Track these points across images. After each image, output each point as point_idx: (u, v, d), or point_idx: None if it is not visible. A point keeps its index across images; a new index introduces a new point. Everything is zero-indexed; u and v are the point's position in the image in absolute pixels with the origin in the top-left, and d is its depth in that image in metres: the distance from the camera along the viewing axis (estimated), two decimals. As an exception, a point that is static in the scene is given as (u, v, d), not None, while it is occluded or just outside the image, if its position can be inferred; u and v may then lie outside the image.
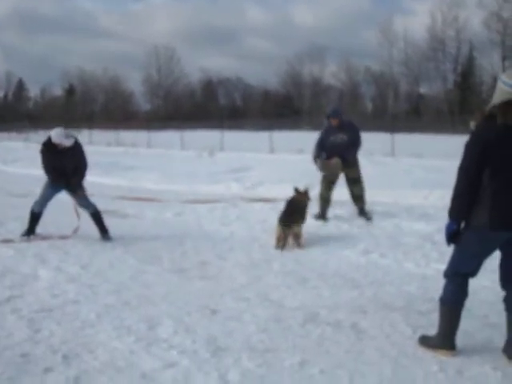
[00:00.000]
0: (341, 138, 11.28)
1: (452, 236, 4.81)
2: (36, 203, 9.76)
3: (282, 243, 9.12)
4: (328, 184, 11.32)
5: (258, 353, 4.95)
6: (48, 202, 9.80)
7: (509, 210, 4.55)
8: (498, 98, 4.64)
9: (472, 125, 4.80)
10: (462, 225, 4.77)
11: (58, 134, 9.37)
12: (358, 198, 11.38)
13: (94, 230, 9.76)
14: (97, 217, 9.77)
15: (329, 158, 11.31)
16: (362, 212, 11.33)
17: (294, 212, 9.47)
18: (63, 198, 9.98)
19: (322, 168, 11.22)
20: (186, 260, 8.32)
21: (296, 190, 9.94)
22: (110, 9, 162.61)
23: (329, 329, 5.53)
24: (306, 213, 9.74)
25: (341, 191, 11.49)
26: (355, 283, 7.12)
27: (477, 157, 4.56)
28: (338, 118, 11.41)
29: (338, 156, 11.20)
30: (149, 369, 4.65)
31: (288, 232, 9.19)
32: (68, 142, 9.40)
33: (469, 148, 4.64)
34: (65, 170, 9.48)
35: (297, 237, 9.29)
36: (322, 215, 11.26)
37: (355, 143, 11.40)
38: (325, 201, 11.29)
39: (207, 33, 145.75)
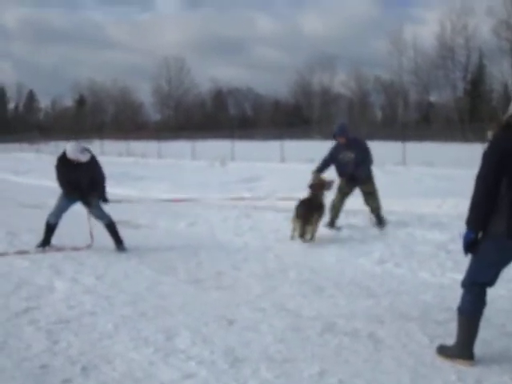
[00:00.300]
0: (348, 156, 11.25)
1: (470, 245, 4.80)
2: (51, 215, 9.80)
3: (299, 233, 10.01)
4: (342, 195, 11.30)
5: (277, 363, 4.95)
6: (63, 214, 9.84)
7: (526, 219, 4.55)
8: (513, 107, 4.64)
9: (489, 134, 4.81)
10: (480, 234, 4.77)
11: (73, 150, 9.37)
12: (374, 210, 11.40)
13: (108, 240, 9.79)
14: (111, 228, 9.80)
15: (340, 176, 11.41)
16: (378, 218, 11.35)
17: (312, 209, 10.31)
18: (77, 209, 10.02)
19: (313, 180, 11.15)
20: (201, 270, 8.33)
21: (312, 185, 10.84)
22: (118, 20, 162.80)
23: (346, 338, 5.53)
24: (323, 207, 10.54)
25: (354, 200, 11.48)
26: (371, 292, 7.12)
27: (494, 166, 4.57)
28: (344, 136, 11.39)
29: (349, 174, 11.25)
30: (167, 380, 4.65)
31: (307, 228, 10.07)
32: (84, 158, 9.42)
33: (486, 157, 4.65)
34: (80, 183, 9.52)
35: (313, 229, 10.08)
36: (332, 224, 11.23)
37: (364, 160, 11.30)
38: (336, 210, 11.27)
39: (216, 43, 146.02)
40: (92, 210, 9.77)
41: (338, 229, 11.16)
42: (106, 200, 9.98)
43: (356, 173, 11.23)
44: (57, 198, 9.90)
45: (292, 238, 10.26)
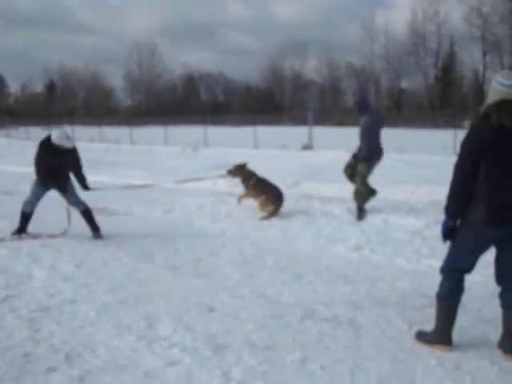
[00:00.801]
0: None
1: (448, 232, 4.88)
2: (27, 203, 9.74)
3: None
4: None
5: (259, 350, 5.01)
6: (38, 201, 9.78)
7: (504, 206, 4.63)
8: (492, 97, 4.71)
9: (466, 124, 4.88)
10: (458, 221, 4.85)
11: (59, 136, 9.33)
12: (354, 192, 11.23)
13: (84, 227, 9.77)
14: (87, 215, 9.78)
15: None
16: (357, 208, 11.18)
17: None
18: (52, 195, 9.96)
19: None
20: (178, 257, 8.36)
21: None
22: (88, 3, 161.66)
23: (327, 325, 5.61)
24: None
25: (330, 187, 11.53)
26: (349, 279, 7.19)
27: (472, 155, 4.64)
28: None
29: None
30: (151, 367, 4.70)
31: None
32: (69, 144, 9.40)
33: (465, 146, 4.72)
34: (59, 170, 9.48)
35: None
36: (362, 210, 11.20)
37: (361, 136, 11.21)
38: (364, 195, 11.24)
39: (188, 28, 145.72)
40: (68, 196, 9.72)
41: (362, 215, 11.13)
42: (87, 188, 10.00)
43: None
44: (31, 185, 9.80)
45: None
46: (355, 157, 11.27)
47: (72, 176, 9.84)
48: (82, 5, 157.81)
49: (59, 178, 9.52)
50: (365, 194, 11.16)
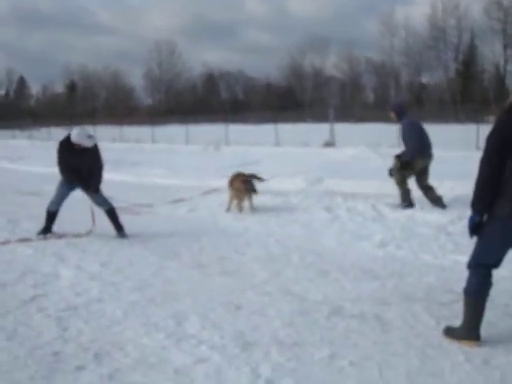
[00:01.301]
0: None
1: (475, 228, 4.87)
2: (52, 202, 9.82)
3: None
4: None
5: (287, 347, 5.02)
6: (64, 201, 9.85)
7: (531, 201, 4.62)
8: (517, 91, 4.69)
9: (491, 119, 4.87)
10: (485, 217, 4.83)
11: (79, 135, 9.35)
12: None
13: (109, 227, 9.84)
14: (112, 214, 9.85)
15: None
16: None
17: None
18: (77, 195, 10.05)
19: None
20: (204, 255, 8.38)
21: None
22: (106, 4, 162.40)
23: (354, 321, 5.61)
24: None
25: (353, 183, 11.51)
26: (375, 275, 7.19)
27: (498, 149, 4.62)
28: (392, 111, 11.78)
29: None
30: (181, 364, 4.71)
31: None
32: (89, 143, 9.43)
33: (490, 141, 4.70)
34: (81, 169, 9.54)
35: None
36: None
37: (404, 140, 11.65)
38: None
39: (206, 26, 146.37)
40: (92, 196, 9.79)
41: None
42: (97, 190, 9.83)
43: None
44: (56, 184, 9.88)
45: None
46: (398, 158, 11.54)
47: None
48: (101, 5, 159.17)
49: (82, 176, 9.57)
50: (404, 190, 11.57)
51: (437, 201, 11.33)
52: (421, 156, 11.36)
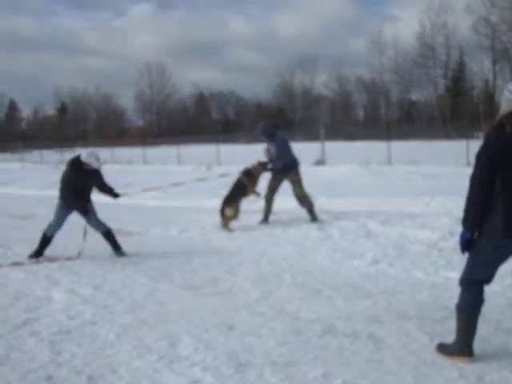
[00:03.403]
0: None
1: (466, 244, 4.88)
2: (50, 227, 9.87)
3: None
4: None
5: (280, 367, 5.01)
6: (62, 225, 9.93)
7: (521, 217, 4.64)
8: (505, 107, 4.74)
9: (480, 136, 4.91)
10: (476, 233, 4.85)
11: (89, 156, 9.67)
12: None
13: (102, 249, 9.89)
14: (109, 235, 9.95)
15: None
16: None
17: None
18: (70, 218, 10.04)
19: None
20: (196, 276, 8.37)
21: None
22: (92, 26, 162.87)
23: (347, 339, 5.60)
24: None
25: (345, 202, 11.54)
26: (367, 293, 7.19)
27: (488, 166, 4.64)
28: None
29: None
30: (174, 387, 4.71)
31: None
32: (97, 164, 9.74)
33: (480, 158, 4.73)
34: (84, 191, 9.74)
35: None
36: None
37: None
38: None
39: (194, 47, 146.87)
40: (89, 219, 9.84)
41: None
42: (118, 195, 10.55)
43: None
44: (55, 208, 9.93)
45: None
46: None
47: (98, 192, 10.23)
48: (86, 27, 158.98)
49: (83, 198, 9.72)
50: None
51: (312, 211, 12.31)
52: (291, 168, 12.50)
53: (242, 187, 12.60)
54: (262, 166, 12.77)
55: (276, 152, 12.43)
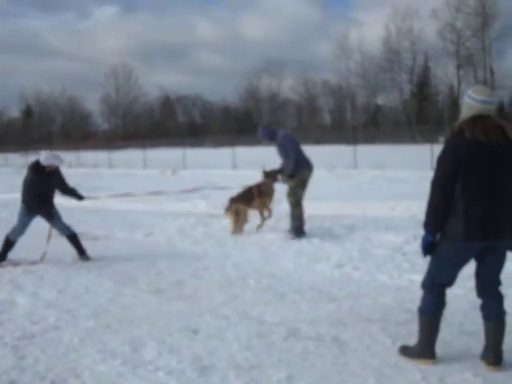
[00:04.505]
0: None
1: (428, 247, 4.93)
2: (14, 231, 9.79)
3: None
4: None
5: (244, 370, 5.02)
6: (26, 229, 9.84)
7: (482, 220, 4.69)
8: (466, 112, 4.82)
9: (442, 140, 4.96)
10: (437, 236, 4.90)
11: (48, 158, 9.61)
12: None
13: (66, 253, 9.83)
14: (74, 239, 9.89)
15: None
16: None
17: None
18: (33, 223, 9.95)
19: None
20: (161, 280, 8.35)
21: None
22: (54, 28, 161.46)
23: (311, 343, 5.63)
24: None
25: (310, 205, 11.56)
26: (332, 296, 7.23)
27: (449, 170, 4.70)
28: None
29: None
30: (138, 391, 4.70)
31: None
32: (59, 162, 9.72)
33: (441, 162, 4.78)
34: (49, 193, 9.70)
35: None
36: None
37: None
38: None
39: (160, 50, 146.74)
40: (53, 223, 9.78)
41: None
42: (82, 198, 10.43)
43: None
44: (18, 212, 9.85)
45: None
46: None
47: (62, 194, 10.16)
48: (49, 29, 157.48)
49: (47, 201, 9.66)
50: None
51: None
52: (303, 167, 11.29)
53: (250, 195, 11.82)
54: (270, 178, 11.93)
55: (281, 151, 11.33)
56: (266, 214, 11.92)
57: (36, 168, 9.60)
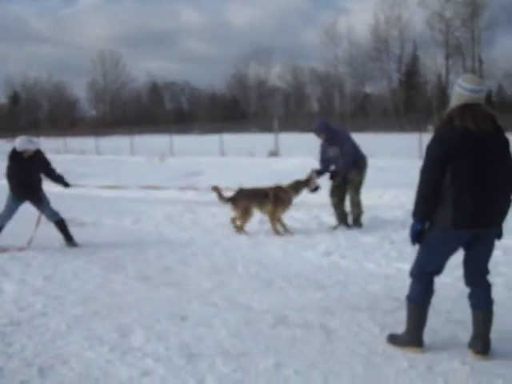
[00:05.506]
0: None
1: (417, 236, 4.93)
2: (1, 217, 9.75)
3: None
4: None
5: (232, 357, 5.03)
6: (13, 215, 9.80)
7: (471, 209, 4.69)
8: (455, 101, 4.81)
9: (431, 129, 4.96)
10: (426, 225, 4.90)
11: (22, 143, 9.54)
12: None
13: (53, 239, 9.83)
14: (61, 225, 9.88)
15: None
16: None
17: None
18: (22, 208, 9.90)
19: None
20: (149, 267, 8.35)
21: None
22: (40, 13, 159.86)
23: (299, 330, 5.64)
24: None
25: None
26: (320, 284, 7.24)
27: (438, 159, 4.69)
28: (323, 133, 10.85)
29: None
30: (126, 378, 4.69)
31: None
32: (33, 147, 9.62)
33: (430, 151, 4.78)
34: (32, 178, 9.63)
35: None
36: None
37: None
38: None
39: (147, 36, 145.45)
40: (42, 208, 9.76)
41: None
42: (68, 185, 10.35)
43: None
44: (6, 199, 9.81)
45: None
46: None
47: (48, 179, 10.06)
48: (34, 14, 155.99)
49: (33, 187, 9.63)
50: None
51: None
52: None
53: (265, 197, 10.72)
54: (296, 188, 11.03)
55: (343, 150, 10.68)
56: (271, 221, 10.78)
57: (14, 155, 9.60)
